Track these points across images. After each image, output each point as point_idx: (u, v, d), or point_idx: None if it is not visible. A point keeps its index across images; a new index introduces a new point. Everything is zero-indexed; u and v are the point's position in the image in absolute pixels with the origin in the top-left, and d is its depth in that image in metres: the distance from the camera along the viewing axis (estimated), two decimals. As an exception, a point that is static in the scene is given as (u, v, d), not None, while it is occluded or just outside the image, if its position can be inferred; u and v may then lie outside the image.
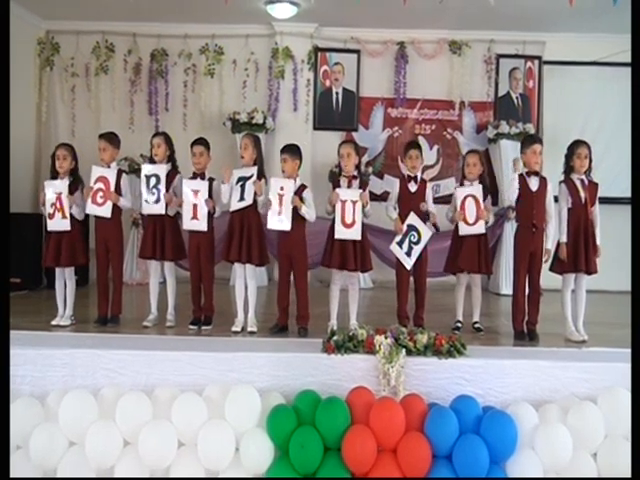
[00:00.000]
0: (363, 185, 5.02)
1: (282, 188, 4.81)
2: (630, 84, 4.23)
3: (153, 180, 5.01)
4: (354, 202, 4.80)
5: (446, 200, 5.51)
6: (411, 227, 5.01)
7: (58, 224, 4.98)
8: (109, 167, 5.12)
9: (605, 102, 8.15)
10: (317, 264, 5.36)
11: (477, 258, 5.10)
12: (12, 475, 3.56)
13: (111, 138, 5.19)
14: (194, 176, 5.11)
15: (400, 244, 5.02)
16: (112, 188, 5.03)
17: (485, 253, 5.18)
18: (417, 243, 5.00)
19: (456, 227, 5.20)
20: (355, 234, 4.80)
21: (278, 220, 4.80)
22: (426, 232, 5.04)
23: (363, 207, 4.83)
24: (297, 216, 4.83)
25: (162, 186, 5.00)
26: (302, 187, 4.94)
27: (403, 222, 5.01)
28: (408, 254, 5.01)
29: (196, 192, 4.93)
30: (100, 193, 5.01)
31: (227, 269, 5.96)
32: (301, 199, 4.86)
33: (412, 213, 5.04)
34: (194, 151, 5.11)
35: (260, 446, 3.57)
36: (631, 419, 3.45)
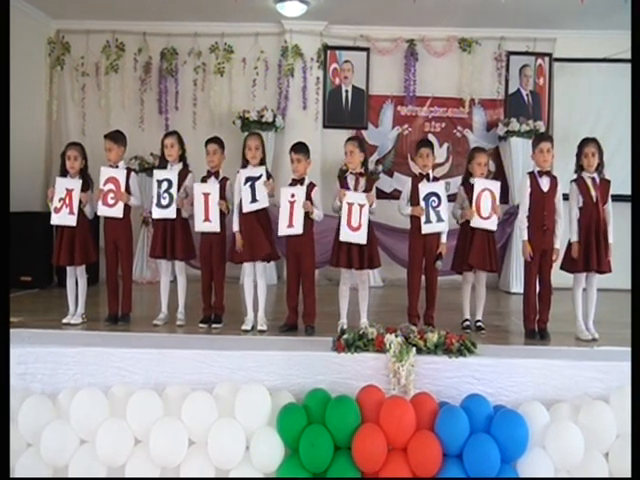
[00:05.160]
0: (370, 183, 5.00)
1: (293, 195, 4.79)
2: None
3: (165, 184, 4.98)
4: (361, 206, 4.78)
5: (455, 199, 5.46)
6: (426, 198, 4.96)
7: (63, 219, 4.95)
8: (117, 167, 5.11)
9: (616, 99, 8.04)
10: (325, 263, 5.34)
11: (487, 255, 5.09)
12: (24, 473, 3.59)
13: (116, 137, 5.16)
14: (208, 174, 5.10)
15: (428, 221, 4.96)
16: (122, 188, 5.02)
17: (494, 251, 5.17)
18: (440, 203, 4.96)
19: (462, 226, 5.19)
20: (361, 238, 4.76)
21: (289, 227, 4.78)
22: (438, 188, 5.01)
23: (369, 206, 4.81)
24: (306, 217, 4.82)
25: (174, 190, 4.97)
26: (311, 186, 4.92)
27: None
28: (440, 220, 4.97)
29: (207, 195, 4.92)
30: (111, 194, 5.00)
31: (237, 268, 5.95)
32: (310, 199, 4.85)
33: (420, 184, 5.00)
34: (208, 149, 5.10)
35: (270, 445, 3.57)
36: (631, 419, 3.43)
